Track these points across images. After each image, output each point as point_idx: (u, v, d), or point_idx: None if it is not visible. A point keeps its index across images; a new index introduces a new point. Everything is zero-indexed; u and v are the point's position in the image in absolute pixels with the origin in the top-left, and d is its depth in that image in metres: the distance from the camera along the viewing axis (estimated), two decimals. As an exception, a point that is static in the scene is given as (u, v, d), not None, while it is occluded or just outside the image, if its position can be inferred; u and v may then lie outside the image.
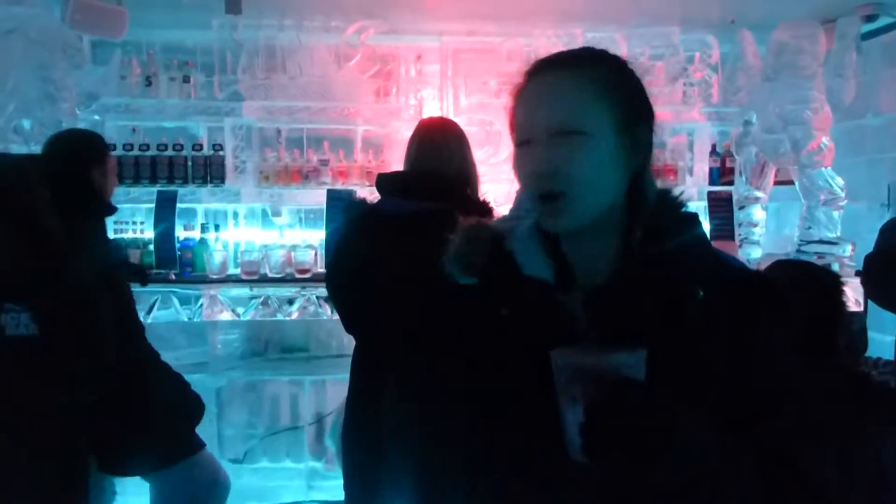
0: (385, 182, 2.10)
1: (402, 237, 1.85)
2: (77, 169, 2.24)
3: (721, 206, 3.65)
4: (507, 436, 0.98)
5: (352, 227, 2.10)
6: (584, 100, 0.96)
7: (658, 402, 0.83)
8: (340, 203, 2.95)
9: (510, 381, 0.98)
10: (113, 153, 2.75)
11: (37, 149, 2.77)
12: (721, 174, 3.96)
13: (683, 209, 1.03)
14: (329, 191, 3.35)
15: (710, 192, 3.75)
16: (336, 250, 2.18)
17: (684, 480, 0.85)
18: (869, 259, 2.18)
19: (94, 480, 2.26)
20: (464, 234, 1.07)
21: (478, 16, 3.80)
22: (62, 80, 2.95)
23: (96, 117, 3.52)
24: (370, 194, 2.14)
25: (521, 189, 1.05)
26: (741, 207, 3.77)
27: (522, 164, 0.99)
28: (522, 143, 0.99)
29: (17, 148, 2.73)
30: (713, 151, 4.01)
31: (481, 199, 2.13)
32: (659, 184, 1.06)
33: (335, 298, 2.20)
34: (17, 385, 1.76)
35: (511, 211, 1.74)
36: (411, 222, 1.90)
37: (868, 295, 2.47)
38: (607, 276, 0.98)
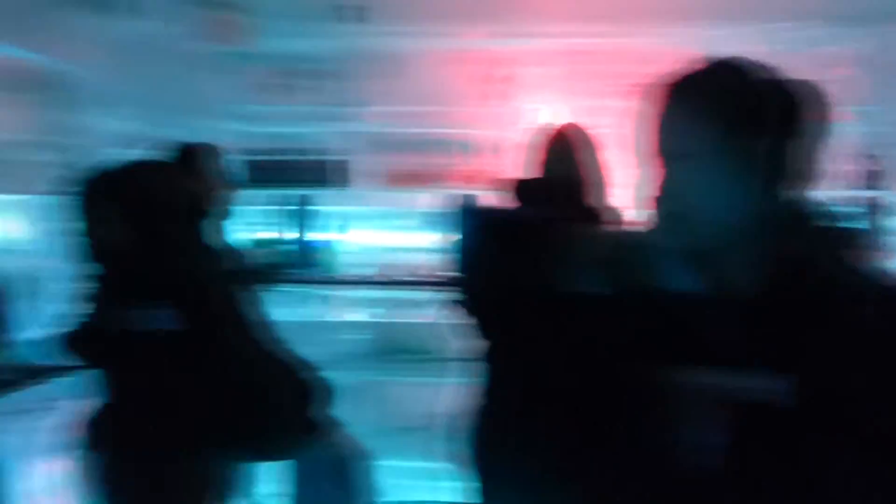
0: (518, 188, 2.07)
1: (537, 243, 1.82)
2: (194, 174, 2.36)
3: (867, 213, 3.42)
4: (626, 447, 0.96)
5: (486, 233, 2.08)
6: (705, 121, 0.92)
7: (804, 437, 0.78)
8: (468, 208, 2.95)
9: (641, 393, 0.95)
10: (242, 158, 2.86)
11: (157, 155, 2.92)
12: (870, 177, 3.70)
13: (829, 219, 0.98)
14: (456, 196, 3.35)
15: (857, 198, 3.52)
16: (469, 256, 2.17)
17: None
18: None
19: (229, 468, 2.35)
20: (601, 242, 1.05)
21: (600, 16, 3.72)
22: (200, 89, 3.10)
23: (230, 125, 3.68)
24: (500, 200, 2.12)
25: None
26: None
27: (648, 180, 0.98)
28: (647, 158, 0.97)
29: (161, 156, 2.87)
30: (861, 154, 3.75)
31: (611, 205, 2.08)
32: (806, 189, 0.99)
33: (468, 305, 2.19)
34: (157, 376, 1.83)
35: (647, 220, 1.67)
36: (545, 229, 1.87)
37: None
38: (750, 292, 0.94)
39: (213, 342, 1.90)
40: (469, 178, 3.77)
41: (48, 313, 2.32)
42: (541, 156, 2.11)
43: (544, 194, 2.01)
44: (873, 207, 3.41)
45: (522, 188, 2.09)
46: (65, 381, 2.36)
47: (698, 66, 0.99)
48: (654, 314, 0.97)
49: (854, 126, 3.74)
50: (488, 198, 2.72)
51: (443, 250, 3.51)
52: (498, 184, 2.15)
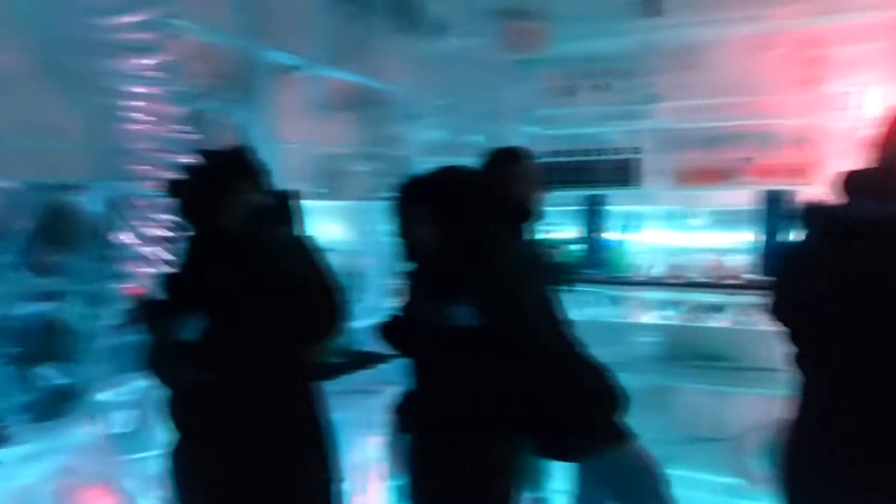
0: (855, 181, 1.82)
1: (872, 245, 1.61)
2: (499, 179, 2.46)
3: None
4: None
5: (812, 233, 1.88)
6: None
7: None
8: (780, 205, 2.73)
9: None
10: (537, 160, 2.95)
11: (468, 161, 3.13)
12: None
13: None
14: (768, 191, 3.12)
15: None
16: (790, 259, 1.98)
17: None
18: None
19: (527, 461, 2.45)
20: None
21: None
22: (502, 98, 3.28)
23: (530, 129, 3.83)
24: (822, 195, 1.91)
25: None
26: None
27: None
28: None
29: (469, 161, 3.09)
30: None
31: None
32: None
33: (786, 313, 2.00)
34: (461, 369, 1.97)
35: None
36: (883, 228, 1.64)
37: None
38: None
39: (519, 339, 1.98)
40: (773, 173, 3.47)
41: (371, 306, 2.60)
42: (883, 144, 1.83)
43: (882, 188, 1.74)
44: None
45: (855, 181, 1.83)
46: (386, 367, 2.66)
47: None
48: None
49: None
50: (809, 193, 2.44)
51: (743, 250, 3.30)
52: (800, 176, 1.92)
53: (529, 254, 2.43)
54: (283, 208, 1.65)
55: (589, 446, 2.40)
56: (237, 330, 1.56)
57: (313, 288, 1.79)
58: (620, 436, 2.42)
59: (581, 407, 2.35)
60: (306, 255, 1.78)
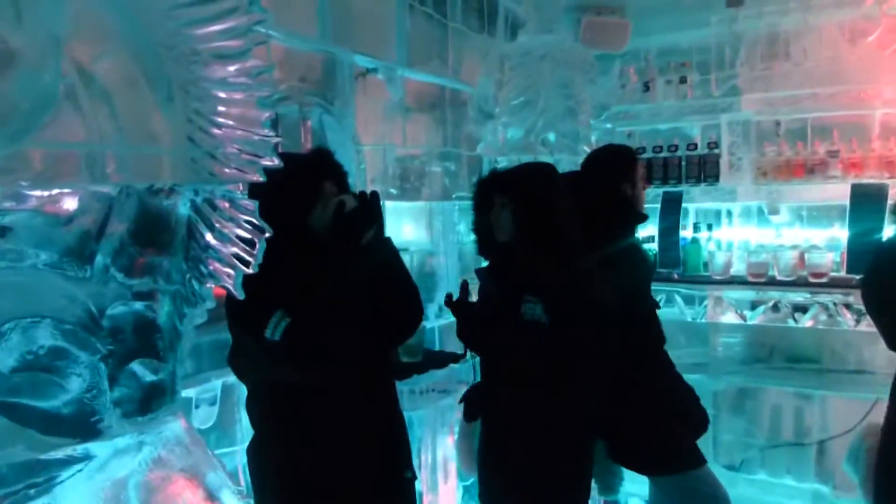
0: None
1: None
2: (608, 182, 2.43)
3: None
4: None
5: None
6: None
7: None
8: (870, 199, 2.59)
9: None
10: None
11: (561, 158, 3.10)
12: None
13: None
14: (854, 185, 2.96)
15: None
16: (888, 256, 1.89)
17: None
18: None
19: (603, 464, 2.42)
20: None
21: None
22: (580, 94, 3.23)
23: (608, 126, 3.78)
24: None
25: None
26: None
27: None
28: None
29: (544, 158, 3.08)
30: None
31: None
32: None
33: (880, 312, 1.92)
34: (530, 362, 1.95)
35: None
36: None
37: None
38: None
39: (592, 340, 1.96)
40: (859, 165, 3.31)
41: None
42: None
43: None
44: None
45: None
46: (459, 367, 2.68)
47: None
48: None
49: None
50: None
51: (829, 247, 3.16)
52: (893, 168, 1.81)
53: (623, 253, 2.38)
54: (367, 210, 1.67)
55: (662, 464, 2.37)
56: (322, 330, 1.57)
57: (397, 289, 1.81)
58: (695, 459, 2.38)
59: (660, 423, 2.32)
60: (390, 257, 1.80)
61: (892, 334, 1.85)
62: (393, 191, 2.96)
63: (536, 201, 2.02)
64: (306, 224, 1.71)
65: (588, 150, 2.99)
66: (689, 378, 2.52)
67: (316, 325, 1.57)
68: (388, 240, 1.81)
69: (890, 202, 1.89)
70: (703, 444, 2.46)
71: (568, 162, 3.07)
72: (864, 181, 3.08)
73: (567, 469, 2.05)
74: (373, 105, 2.89)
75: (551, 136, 3.17)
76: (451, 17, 3.31)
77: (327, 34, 2.58)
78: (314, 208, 1.71)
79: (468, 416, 2.20)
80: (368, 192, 1.70)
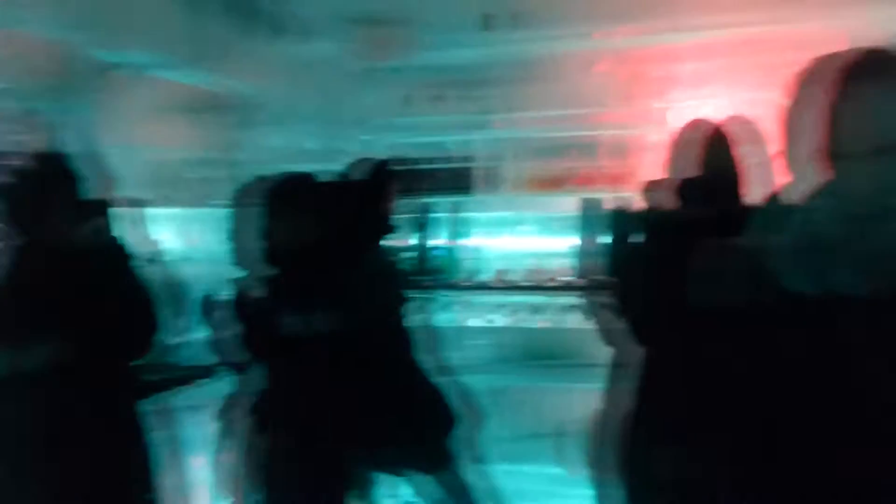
0: (675, 187, 1.99)
1: (699, 244, 1.75)
2: (364, 194, 2.50)
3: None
4: None
5: (653, 236, 2.02)
6: None
7: None
8: (598, 211, 2.91)
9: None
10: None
11: (322, 168, 3.12)
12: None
13: None
14: (583, 199, 3.32)
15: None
16: (627, 259, 2.12)
17: None
18: None
19: (354, 467, 2.49)
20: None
21: (739, 6, 3.52)
22: (356, 105, 3.27)
23: (368, 137, 3.86)
24: (655, 200, 2.04)
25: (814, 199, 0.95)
26: None
27: (838, 178, 0.89)
28: (834, 155, 0.90)
29: (305, 167, 3.07)
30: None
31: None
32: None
33: (625, 309, 2.12)
34: (305, 375, 1.99)
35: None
36: (708, 229, 1.79)
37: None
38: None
39: (368, 348, 2.02)
40: (593, 181, 3.73)
41: (211, 317, 2.54)
42: (699, 153, 2.01)
43: (704, 193, 1.92)
44: None
45: (680, 187, 2.00)
46: (223, 380, 2.59)
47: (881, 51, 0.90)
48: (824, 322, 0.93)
49: None
50: (643, 199, 2.61)
51: (588, 254, 3.49)
52: (653, 184, 2.08)
53: (387, 262, 2.47)
54: (97, 215, 1.60)
55: (417, 464, 2.50)
56: (55, 339, 1.48)
57: (126, 299, 1.74)
58: (449, 456, 2.54)
59: (412, 425, 2.44)
60: (120, 266, 1.73)
61: (634, 330, 2.07)
62: (148, 196, 2.81)
63: (307, 214, 2.05)
64: (38, 230, 1.62)
65: (348, 160, 3.04)
66: (442, 380, 2.66)
67: (46, 332, 1.49)
68: (121, 248, 1.73)
69: (615, 212, 2.15)
70: (456, 444, 2.62)
71: (328, 172, 3.10)
72: (593, 196, 3.48)
73: (330, 474, 2.10)
74: (132, 105, 2.73)
75: (311, 145, 3.19)
76: (228, 18, 3.20)
77: (79, 26, 2.39)
78: (45, 214, 1.64)
79: (259, 428, 2.16)
80: (102, 198, 1.64)
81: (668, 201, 1.96)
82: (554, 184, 3.81)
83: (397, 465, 2.54)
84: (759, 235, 1.06)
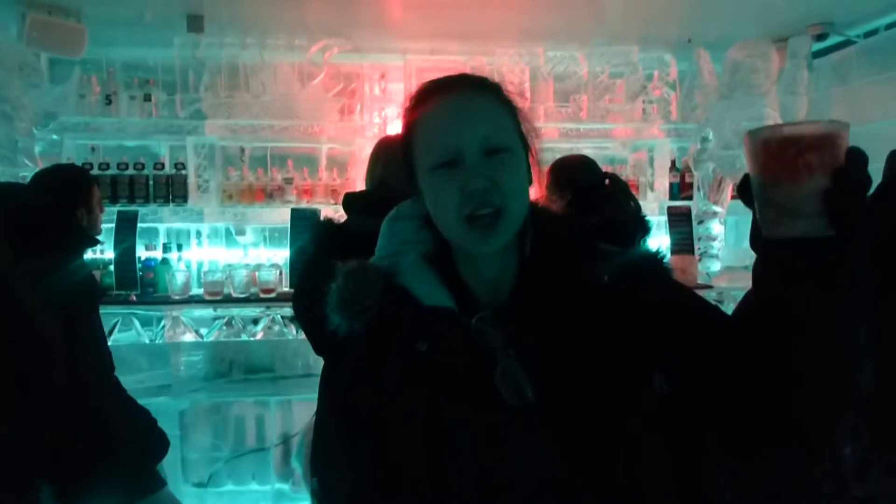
0: (352, 201, 2.09)
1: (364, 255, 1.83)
2: (60, 204, 2.25)
3: (681, 221, 3.71)
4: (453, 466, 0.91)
5: (318, 246, 2.07)
6: (503, 117, 0.97)
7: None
8: (305, 222, 2.95)
9: (435, 413, 0.91)
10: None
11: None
12: (681, 189, 4.04)
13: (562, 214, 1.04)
14: (293, 210, 3.35)
15: (670, 207, 3.80)
16: (303, 270, 2.16)
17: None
18: None
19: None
20: (349, 277, 1.01)
21: (441, 35, 3.84)
22: (18, 98, 2.90)
23: (54, 136, 3.47)
24: (336, 213, 2.13)
25: (438, 215, 0.99)
26: (700, 222, 3.84)
27: (446, 185, 0.95)
28: (444, 164, 0.95)
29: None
30: (672, 167, 4.10)
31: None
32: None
33: (300, 320, 2.17)
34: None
35: (384, 244, 1.56)
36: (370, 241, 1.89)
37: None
38: (509, 292, 0.98)
39: (53, 374, 1.80)
40: (310, 192, 3.78)
41: None
42: (376, 168, 2.12)
43: (380, 206, 2.00)
44: (684, 216, 3.71)
45: (358, 200, 2.08)
46: None
47: (478, 76, 1.00)
48: (425, 332, 0.95)
49: (667, 142, 4.10)
50: (328, 211, 2.69)
51: (282, 266, 3.49)
52: (336, 196, 2.14)
53: (75, 276, 2.21)
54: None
55: (123, 495, 2.28)
56: None
57: None
58: (154, 483, 2.36)
59: (117, 454, 2.22)
60: None
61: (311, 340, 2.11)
62: None
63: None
64: None
65: (30, 162, 2.71)
66: (152, 402, 2.48)
67: None
68: None
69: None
70: (170, 466, 2.44)
71: (8, 174, 2.73)
72: (304, 206, 3.50)
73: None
74: None
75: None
76: None
77: None
78: None
79: None
80: None
81: (346, 213, 2.07)
82: (269, 194, 3.77)
83: (100, 499, 2.29)
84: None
